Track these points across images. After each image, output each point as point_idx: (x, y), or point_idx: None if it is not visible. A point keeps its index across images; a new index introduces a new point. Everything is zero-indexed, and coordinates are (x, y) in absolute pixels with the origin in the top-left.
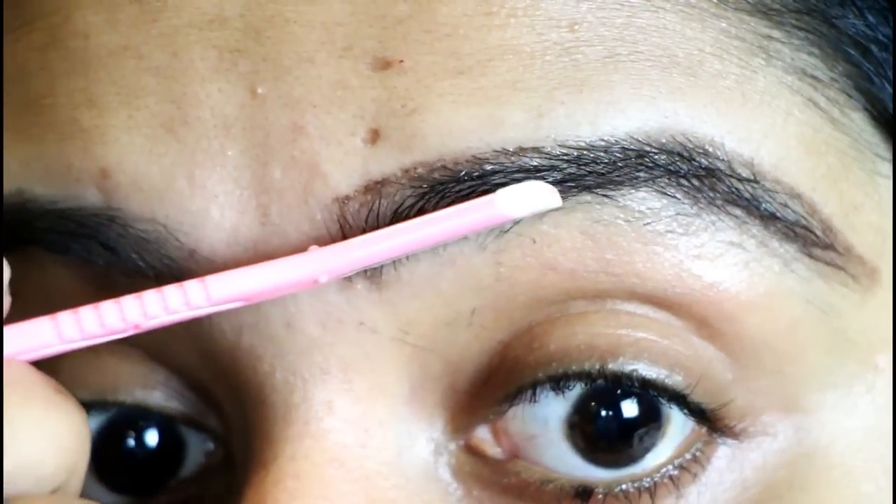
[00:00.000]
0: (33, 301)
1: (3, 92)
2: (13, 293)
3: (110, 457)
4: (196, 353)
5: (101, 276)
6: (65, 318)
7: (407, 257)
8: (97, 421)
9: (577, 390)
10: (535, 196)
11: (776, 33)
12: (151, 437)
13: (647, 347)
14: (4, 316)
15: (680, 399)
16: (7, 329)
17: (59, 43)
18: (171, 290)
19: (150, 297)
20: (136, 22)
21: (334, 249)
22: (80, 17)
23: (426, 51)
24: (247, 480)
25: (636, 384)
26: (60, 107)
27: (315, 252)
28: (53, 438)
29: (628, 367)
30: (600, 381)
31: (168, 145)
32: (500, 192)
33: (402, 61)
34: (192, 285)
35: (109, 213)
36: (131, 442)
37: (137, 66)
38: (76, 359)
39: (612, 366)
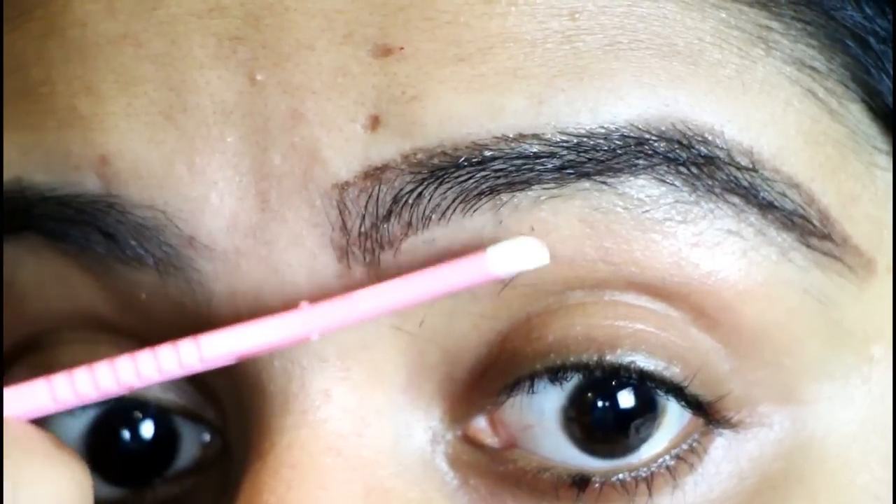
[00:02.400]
0: (30, 291)
1: (2, 83)
2: (10, 284)
3: (106, 449)
4: None
5: (99, 263)
6: (59, 380)
7: (403, 243)
8: (93, 413)
9: (574, 381)
10: (525, 253)
11: (775, 24)
12: (147, 429)
13: (645, 339)
14: None
15: (677, 391)
16: (6, 390)
17: (57, 31)
18: (164, 350)
19: (145, 357)
20: (135, 10)
21: (327, 308)
22: (79, 5)
23: (427, 38)
24: (243, 470)
25: (634, 376)
26: (59, 95)
27: (307, 310)
28: (55, 493)
29: (626, 359)
30: (598, 373)
31: (167, 132)
32: (490, 249)
33: (402, 48)
34: (185, 345)
35: (108, 199)
36: (127, 434)
37: (136, 54)
38: (72, 351)
39: (609, 357)
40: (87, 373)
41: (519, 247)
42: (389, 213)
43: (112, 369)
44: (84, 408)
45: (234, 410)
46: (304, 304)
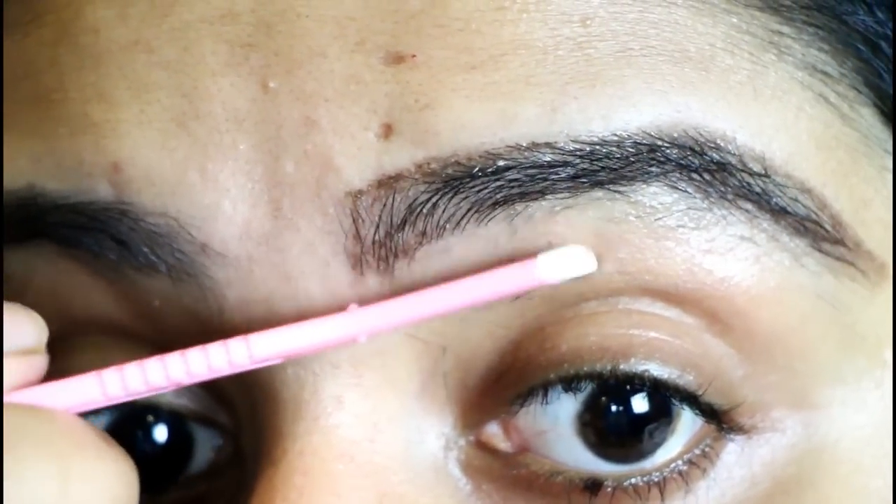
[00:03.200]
0: (43, 297)
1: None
2: (23, 290)
3: None
4: None
5: (112, 271)
6: (110, 375)
7: (417, 252)
8: (107, 417)
9: (588, 390)
10: (574, 260)
11: (786, 29)
12: (161, 434)
13: (659, 347)
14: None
15: (692, 399)
16: (56, 384)
17: (69, 38)
18: (214, 349)
19: (195, 355)
20: (147, 16)
21: (375, 310)
22: (91, 11)
23: (439, 45)
24: (256, 476)
25: (648, 384)
26: (71, 101)
27: (356, 312)
28: (105, 487)
29: (640, 368)
30: (612, 382)
31: (180, 139)
32: (541, 257)
33: (414, 56)
34: (235, 343)
35: (121, 207)
36: (141, 439)
37: (148, 61)
38: (86, 356)
39: (623, 366)
40: (137, 368)
41: (569, 254)
42: (404, 222)
43: (162, 365)
44: (98, 411)
45: (247, 416)
46: (353, 306)
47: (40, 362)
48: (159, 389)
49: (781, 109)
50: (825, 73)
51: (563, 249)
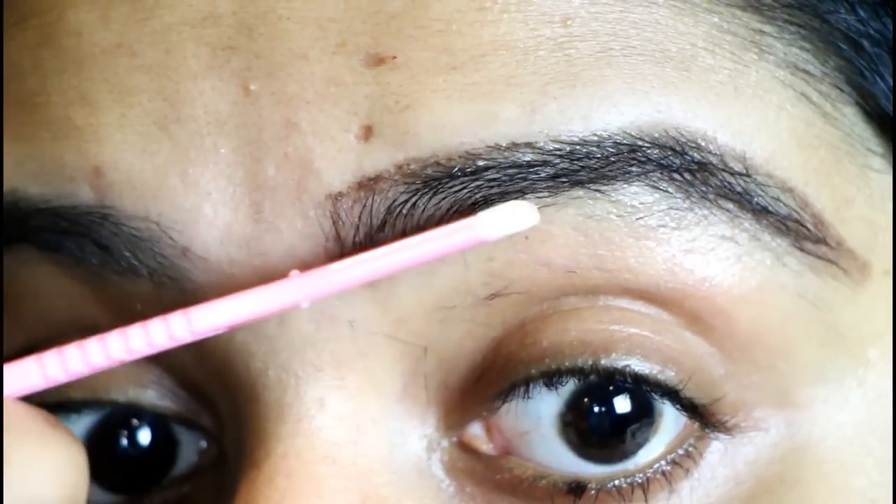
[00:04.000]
0: (25, 301)
1: (2, 93)
2: (5, 293)
3: (103, 455)
4: (189, 352)
5: (94, 275)
6: (50, 357)
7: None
8: (90, 420)
9: (569, 386)
10: (516, 217)
11: (768, 28)
12: (144, 436)
13: (640, 343)
14: None
15: (672, 394)
16: None
17: (52, 41)
18: (154, 325)
19: (135, 332)
20: (129, 20)
21: (315, 275)
22: (74, 15)
23: (419, 47)
24: (239, 479)
25: (629, 379)
26: (53, 105)
27: (297, 278)
28: (51, 473)
29: (621, 363)
30: (593, 377)
31: (161, 143)
32: (481, 214)
33: (395, 57)
34: (175, 318)
35: (102, 211)
36: (124, 441)
37: (130, 64)
38: None
39: (604, 361)
40: (77, 349)
41: (509, 210)
42: (383, 223)
43: (103, 345)
44: (81, 413)
45: (229, 418)
46: (294, 273)
47: None
48: (101, 368)
49: (762, 108)
50: (807, 72)
51: (504, 205)
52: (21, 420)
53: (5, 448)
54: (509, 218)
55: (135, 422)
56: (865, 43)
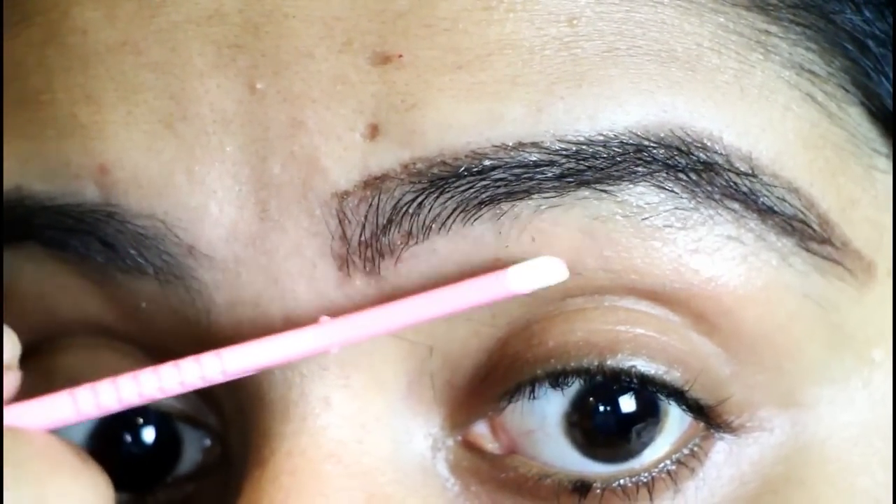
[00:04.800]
0: (31, 299)
1: (2, 91)
2: (11, 293)
3: (108, 454)
4: (194, 351)
5: (99, 273)
6: (83, 392)
7: (403, 252)
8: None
9: (575, 386)
10: (546, 271)
11: (774, 28)
12: (148, 434)
13: (646, 343)
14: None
15: (678, 395)
16: (28, 403)
17: (57, 39)
18: (187, 364)
19: (168, 371)
20: (135, 17)
21: (347, 322)
22: (79, 12)
23: (425, 45)
24: (244, 477)
25: (635, 380)
26: (59, 103)
27: (328, 325)
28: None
29: (627, 364)
30: (599, 378)
31: (167, 141)
32: (512, 269)
33: (401, 56)
34: (207, 358)
35: (108, 209)
36: (128, 439)
37: (136, 62)
38: (74, 358)
39: (610, 362)
40: (110, 385)
41: (540, 265)
42: (389, 222)
43: (136, 382)
44: None
45: (234, 417)
46: (325, 318)
47: (14, 379)
48: (133, 405)
49: (768, 109)
50: (812, 73)
51: (534, 261)
52: (55, 452)
53: (41, 479)
54: (540, 272)
55: (139, 420)
56: (871, 43)
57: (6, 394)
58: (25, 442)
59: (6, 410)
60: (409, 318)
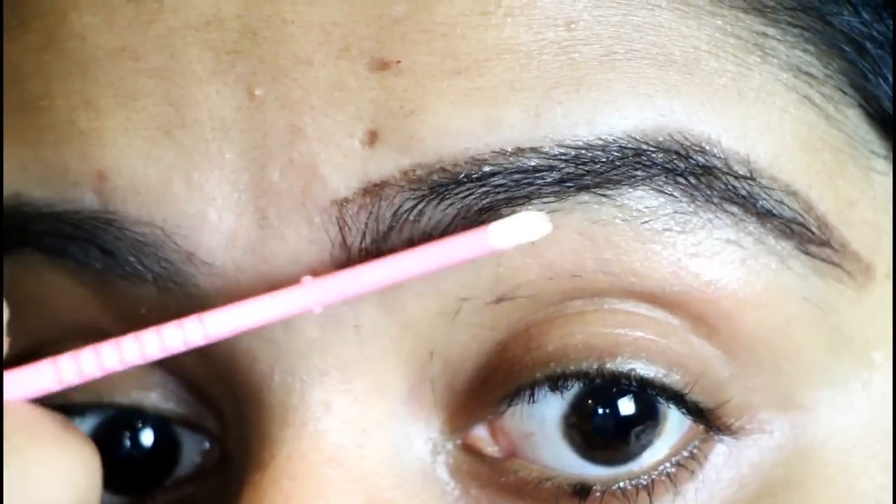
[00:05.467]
0: (29, 305)
1: (2, 96)
2: (9, 296)
3: (106, 457)
4: (194, 355)
5: (98, 279)
6: (65, 360)
7: None
8: (93, 422)
9: (575, 389)
10: (527, 226)
11: (771, 31)
12: (147, 438)
13: (645, 346)
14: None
15: (678, 398)
16: (8, 373)
17: (55, 44)
18: (169, 329)
19: (149, 336)
20: (133, 23)
21: (327, 281)
22: (77, 18)
23: (423, 51)
24: (243, 481)
25: (634, 383)
26: (58, 109)
27: (309, 284)
28: (65, 476)
29: (626, 367)
30: (598, 381)
31: (165, 148)
32: (493, 225)
33: (399, 62)
34: (190, 322)
35: (106, 216)
36: (127, 442)
37: (135, 68)
38: None
39: (609, 365)
40: (92, 353)
41: (521, 220)
42: (390, 229)
43: (117, 349)
44: (84, 416)
45: (234, 421)
46: (307, 279)
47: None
48: (114, 370)
49: (766, 111)
50: (810, 75)
51: (516, 216)
52: (36, 422)
53: (21, 451)
54: (521, 228)
55: (138, 423)
56: (869, 45)
57: None
58: (6, 413)
59: None
60: (392, 276)
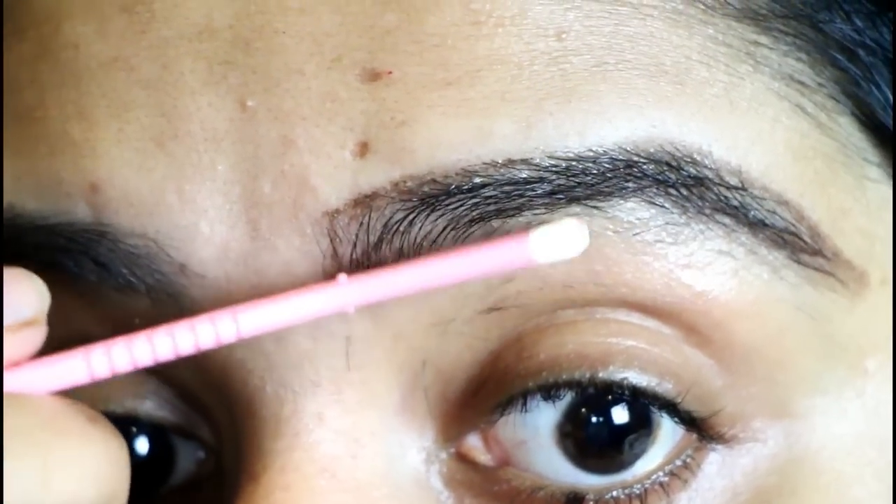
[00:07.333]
0: None
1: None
2: None
3: None
4: (188, 365)
5: (91, 291)
6: (96, 352)
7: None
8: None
9: (567, 399)
10: (567, 238)
11: (763, 39)
12: (142, 445)
13: (638, 355)
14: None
15: (671, 407)
16: (40, 363)
17: (49, 54)
18: (201, 323)
19: (181, 330)
20: (126, 33)
21: (364, 282)
22: (70, 27)
23: (415, 62)
24: (237, 492)
25: (627, 392)
26: (51, 119)
27: (345, 283)
28: (91, 471)
29: (619, 376)
30: (591, 390)
31: (158, 159)
32: (534, 233)
33: (390, 72)
34: (222, 318)
35: (100, 228)
36: None
37: (128, 79)
38: None
39: (602, 374)
40: (125, 345)
41: (562, 231)
42: (380, 240)
43: (149, 341)
44: None
45: (228, 430)
46: (342, 277)
47: (36, 336)
48: (145, 364)
49: (757, 121)
50: (802, 83)
51: (557, 225)
52: (63, 419)
53: (47, 446)
54: (562, 239)
55: (133, 432)
56: (861, 52)
57: (28, 351)
58: (29, 410)
59: (12, 374)
60: (429, 279)
